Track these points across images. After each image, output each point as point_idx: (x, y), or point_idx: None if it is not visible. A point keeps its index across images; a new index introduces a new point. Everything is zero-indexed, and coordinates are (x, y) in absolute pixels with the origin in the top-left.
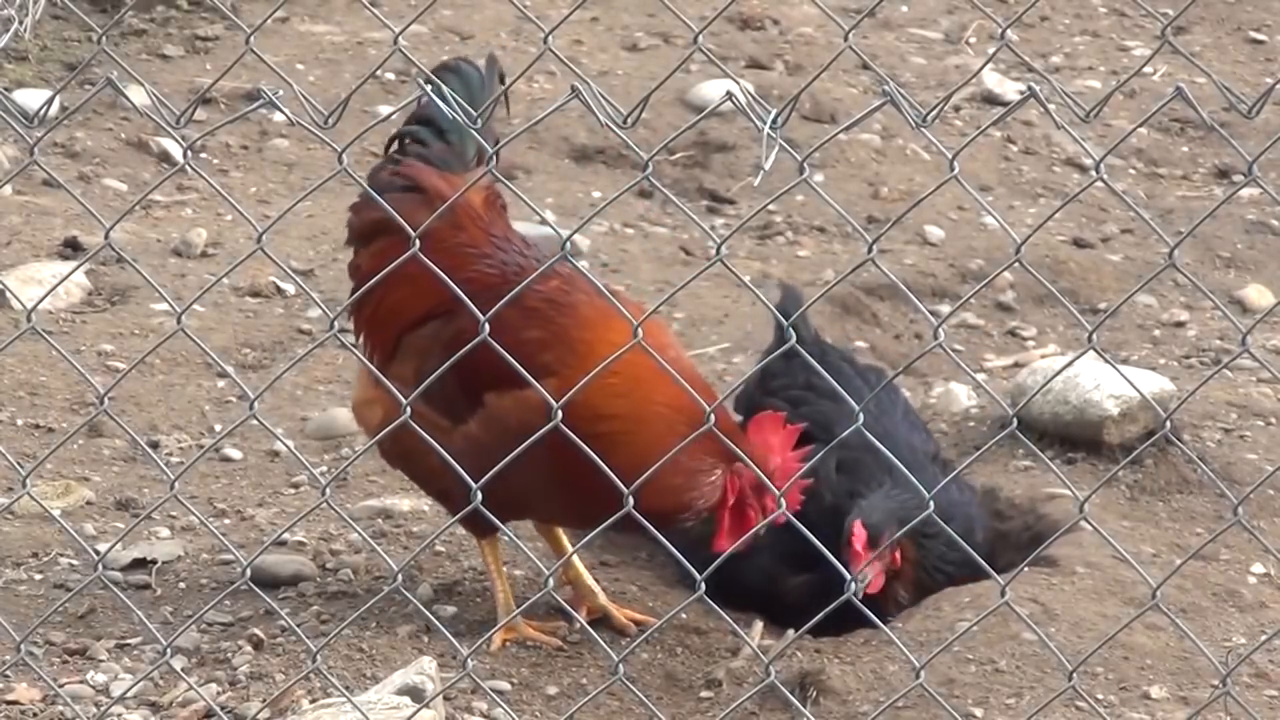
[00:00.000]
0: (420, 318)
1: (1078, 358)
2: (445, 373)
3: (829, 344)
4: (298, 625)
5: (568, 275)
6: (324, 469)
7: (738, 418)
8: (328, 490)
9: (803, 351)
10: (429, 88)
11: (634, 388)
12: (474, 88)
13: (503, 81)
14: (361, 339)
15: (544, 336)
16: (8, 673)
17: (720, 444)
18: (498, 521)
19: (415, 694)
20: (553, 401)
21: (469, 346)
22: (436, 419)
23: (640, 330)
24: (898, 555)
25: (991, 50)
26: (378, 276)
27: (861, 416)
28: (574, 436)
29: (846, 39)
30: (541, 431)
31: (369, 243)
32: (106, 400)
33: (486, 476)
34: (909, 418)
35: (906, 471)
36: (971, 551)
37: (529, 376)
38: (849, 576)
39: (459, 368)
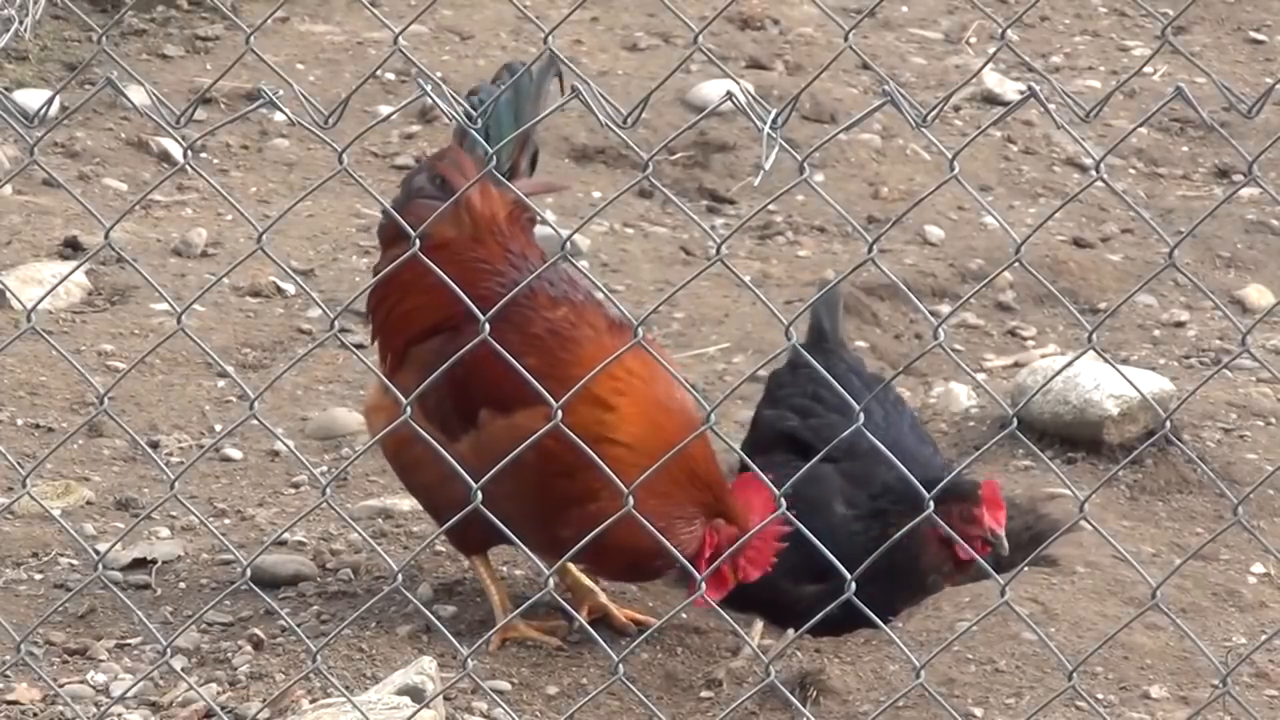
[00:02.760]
0: (429, 329)
1: (1078, 358)
2: (442, 387)
3: (843, 352)
4: (298, 625)
5: (578, 305)
6: (324, 469)
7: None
8: (328, 490)
9: (811, 360)
10: (429, 88)
11: (636, 420)
12: (521, 94)
13: (560, 80)
14: (376, 344)
15: (540, 366)
16: (8, 673)
17: (704, 496)
18: (500, 524)
19: (415, 694)
20: (552, 401)
21: (467, 349)
22: (433, 433)
23: (640, 330)
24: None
25: (991, 50)
26: (378, 276)
27: (862, 417)
28: (580, 443)
29: (846, 39)
30: (539, 434)
31: (391, 247)
32: (106, 400)
33: (484, 479)
34: (916, 431)
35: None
36: (978, 558)
37: (532, 378)
38: (990, 533)
39: (455, 383)
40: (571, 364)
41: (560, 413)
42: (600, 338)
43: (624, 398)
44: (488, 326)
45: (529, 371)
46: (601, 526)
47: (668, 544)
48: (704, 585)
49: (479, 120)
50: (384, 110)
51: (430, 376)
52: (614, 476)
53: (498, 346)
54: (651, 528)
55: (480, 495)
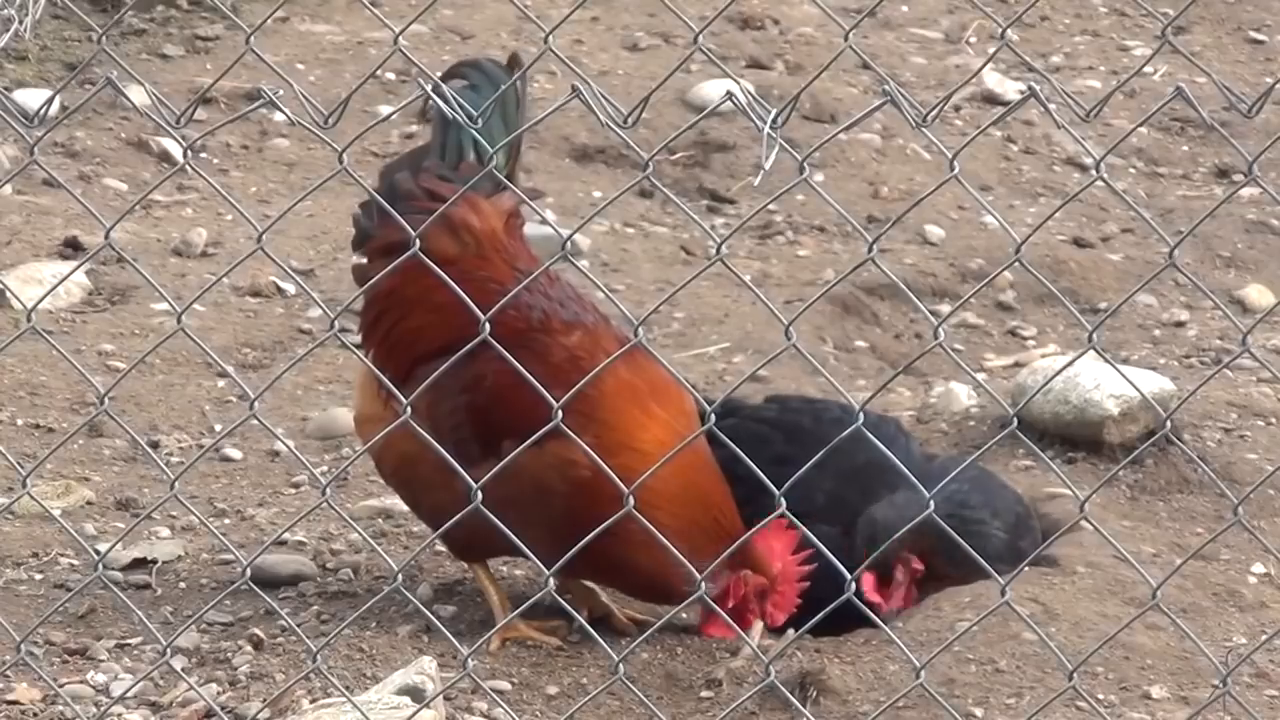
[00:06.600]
0: (438, 349)
1: (1078, 358)
2: (460, 412)
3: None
4: (298, 625)
5: (591, 329)
6: (324, 469)
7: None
8: (328, 490)
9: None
10: (429, 88)
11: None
12: (507, 100)
13: (519, 80)
14: (371, 357)
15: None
16: (8, 673)
17: (730, 546)
18: (513, 536)
19: (415, 694)
20: (553, 400)
21: (472, 344)
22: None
23: (640, 330)
24: (917, 565)
25: (991, 50)
26: (371, 284)
27: (862, 416)
28: (612, 474)
29: (846, 39)
30: (541, 432)
31: (386, 258)
32: (106, 400)
33: (486, 478)
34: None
35: (913, 477)
36: (976, 556)
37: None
38: (884, 618)
39: (476, 410)
40: (594, 398)
41: (560, 413)
42: (617, 366)
43: (656, 445)
44: (488, 326)
45: (555, 402)
46: (601, 527)
47: (685, 561)
48: (720, 629)
49: (479, 121)
50: (384, 110)
51: (443, 400)
52: (621, 484)
53: (505, 353)
54: (673, 548)
55: (480, 496)
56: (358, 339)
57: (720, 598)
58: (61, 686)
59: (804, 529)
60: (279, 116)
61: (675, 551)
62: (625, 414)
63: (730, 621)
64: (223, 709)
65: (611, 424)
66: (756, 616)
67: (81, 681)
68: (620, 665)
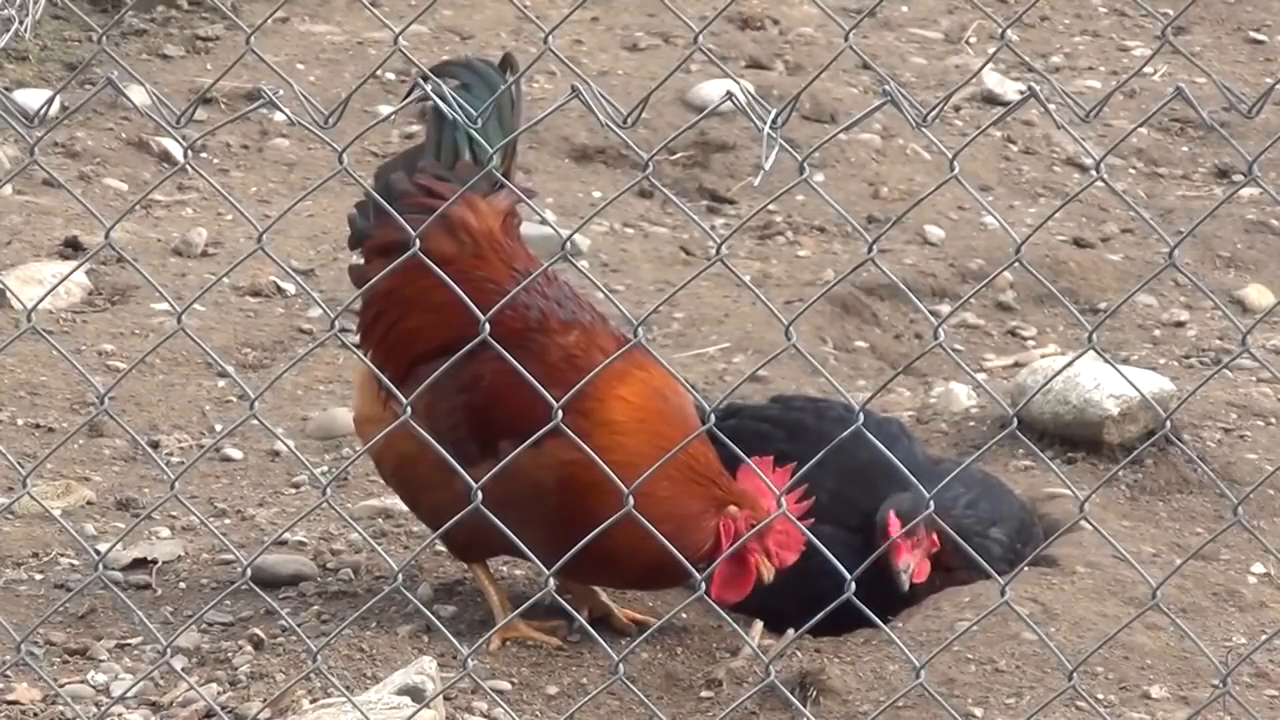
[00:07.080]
0: (436, 349)
1: (1078, 358)
2: (458, 413)
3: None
4: (298, 625)
5: (588, 328)
6: (324, 469)
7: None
8: (328, 490)
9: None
10: (430, 88)
11: (639, 429)
12: (501, 100)
13: (512, 77)
14: (370, 357)
15: (561, 398)
16: (8, 673)
17: (710, 490)
18: (512, 535)
19: (415, 694)
20: (552, 401)
21: (471, 344)
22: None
23: (640, 330)
24: (935, 538)
25: (991, 50)
26: (370, 285)
27: (862, 417)
28: (605, 467)
29: (846, 39)
30: (540, 433)
31: (383, 257)
32: (107, 400)
33: (486, 477)
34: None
35: (913, 477)
36: (974, 554)
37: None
38: (896, 568)
39: (474, 411)
40: (591, 397)
41: (560, 413)
42: (613, 366)
43: (625, 410)
44: (488, 327)
45: (555, 402)
46: (601, 527)
47: (670, 546)
48: (726, 580)
49: (478, 120)
50: (384, 110)
51: (442, 399)
52: (622, 484)
53: (505, 353)
54: (656, 531)
55: (480, 495)
56: (357, 339)
57: (716, 547)
58: (62, 686)
59: (805, 529)
60: (279, 116)
61: (665, 540)
62: (607, 400)
63: (726, 599)
64: (223, 709)
65: (592, 413)
66: (759, 557)
67: (81, 681)
68: (620, 665)
